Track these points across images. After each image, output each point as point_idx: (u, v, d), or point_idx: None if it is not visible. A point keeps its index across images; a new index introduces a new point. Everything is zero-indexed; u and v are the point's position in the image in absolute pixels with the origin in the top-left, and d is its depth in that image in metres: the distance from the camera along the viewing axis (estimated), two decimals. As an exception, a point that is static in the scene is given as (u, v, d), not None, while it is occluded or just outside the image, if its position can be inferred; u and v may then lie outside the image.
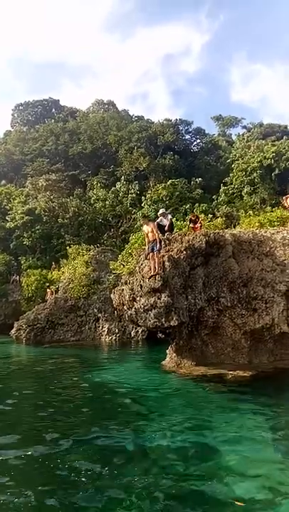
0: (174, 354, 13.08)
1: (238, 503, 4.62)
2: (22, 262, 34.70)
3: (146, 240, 12.96)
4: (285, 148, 37.60)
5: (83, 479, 5.21)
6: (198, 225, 15.32)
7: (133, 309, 12.55)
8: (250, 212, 25.38)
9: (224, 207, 34.16)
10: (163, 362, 13.43)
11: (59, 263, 30.97)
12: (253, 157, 38.21)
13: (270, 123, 53.69)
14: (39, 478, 5.32)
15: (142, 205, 36.77)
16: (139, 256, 13.94)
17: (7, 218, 38.59)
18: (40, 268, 31.85)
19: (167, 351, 13.55)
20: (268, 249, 13.30)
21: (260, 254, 13.26)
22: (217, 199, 37.98)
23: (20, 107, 68.09)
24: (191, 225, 15.30)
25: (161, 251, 12.34)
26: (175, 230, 15.21)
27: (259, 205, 33.03)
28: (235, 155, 43.43)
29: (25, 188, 43.19)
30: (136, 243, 22.60)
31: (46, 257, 35.78)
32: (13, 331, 23.75)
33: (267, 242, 13.46)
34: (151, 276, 11.82)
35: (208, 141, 53.72)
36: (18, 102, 76.96)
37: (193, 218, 15.83)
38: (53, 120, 60.77)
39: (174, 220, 17.75)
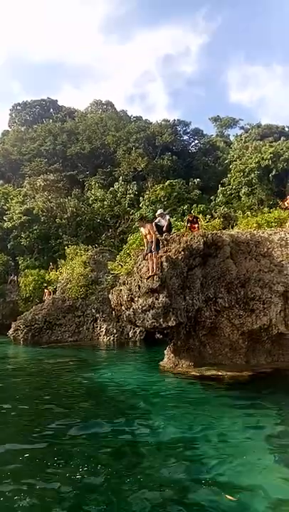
0: (172, 354, 13.09)
1: (230, 498, 4.67)
2: (20, 262, 34.65)
3: (144, 241, 12.97)
4: (282, 149, 37.72)
5: (79, 477, 5.21)
6: (196, 225, 15.34)
7: (131, 310, 12.55)
8: (248, 213, 25.42)
9: (222, 207, 34.21)
10: (161, 362, 13.43)
11: (57, 263, 30.93)
12: (251, 158, 38.32)
13: (267, 124, 53.84)
14: (36, 475, 5.31)
15: (140, 205, 36.80)
16: (137, 256, 13.94)
17: (5, 218, 38.54)
18: (37, 268, 31.82)
19: (165, 352, 13.56)
20: (265, 249, 13.33)
21: (258, 255, 13.29)
22: (215, 200, 38.04)
23: (18, 107, 68.03)
24: (189, 225, 15.31)
25: (159, 251, 12.35)
26: (173, 231, 15.22)
27: (257, 206, 33.11)
28: (233, 156, 43.54)
29: (23, 188, 43.14)
30: (134, 243, 22.62)
31: (44, 257, 35.74)
32: (10, 332, 23.69)
33: (264, 243, 13.49)
34: (149, 276, 11.83)
35: (206, 141, 53.85)
36: (15, 102, 76.84)
37: (190, 219, 15.84)
38: (51, 120, 60.74)
39: (172, 220, 17.78)
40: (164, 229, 14.04)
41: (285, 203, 19.40)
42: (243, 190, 37.14)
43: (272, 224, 17.86)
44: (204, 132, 56.63)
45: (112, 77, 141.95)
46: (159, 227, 13.82)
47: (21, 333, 23.13)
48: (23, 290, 29.41)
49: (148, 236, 12.42)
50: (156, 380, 11.70)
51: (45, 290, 26.88)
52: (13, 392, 10.53)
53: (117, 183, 41.63)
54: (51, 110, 67.98)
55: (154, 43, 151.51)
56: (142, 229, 13.08)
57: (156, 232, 12.99)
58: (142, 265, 12.81)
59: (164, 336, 14.52)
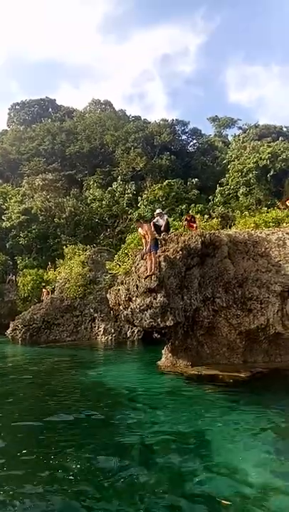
0: (170, 354, 13.13)
1: (225, 502, 4.62)
2: (18, 261, 34.63)
3: (143, 241, 13.01)
4: (280, 149, 37.77)
5: (79, 477, 5.24)
6: (194, 224, 15.39)
7: (129, 309, 12.58)
8: (246, 212, 25.47)
9: (220, 207, 34.25)
10: (158, 362, 13.47)
11: (55, 263, 30.93)
12: (249, 158, 38.36)
13: (266, 124, 53.85)
14: (32, 476, 5.34)
15: (139, 205, 36.80)
16: (135, 256, 13.97)
17: (3, 218, 38.50)
18: (36, 268, 31.80)
19: (163, 351, 13.60)
20: (263, 249, 13.38)
21: (256, 255, 13.35)
22: (213, 199, 38.08)
23: (16, 107, 67.95)
24: (186, 224, 15.35)
25: (157, 251, 12.39)
26: (171, 230, 15.26)
27: (255, 206, 33.13)
28: (231, 156, 43.56)
29: (22, 188, 43.10)
30: (132, 243, 22.64)
31: (42, 257, 35.72)
32: (8, 331, 23.70)
33: (262, 243, 13.54)
34: (147, 276, 11.87)
35: (205, 141, 53.87)
36: (14, 101, 76.79)
37: (188, 218, 15.90)
38: (49, 120, 60.64)
39: (170, 220, 17.81)
40: (162, 228, 14.06)
41: (287, 203, 19.47)
42: (241, 190, 37.19)
43: (270, 224, 17.93)
44: (203, 132, 56.69)
45: (110, 77, 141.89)
46: (157, 227, 13.85)
47: (19, 332, 23.15)
48: (22, 290, 29.40)
49: (146, 236, 12.45)
50: (153, 379, 11.74)
51: (44, 290, 26.89)
52: (8, 392, 10.54)
53: (115, 183, 41.62)
54: (50, 110, 67.91)
55: (153, 42, 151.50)
56: (140, 229, 13.13)
57: (155, 232, 13.03)
58: (140, 265, 12.84)
59: (162, 336, 14.56)
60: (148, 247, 12.11)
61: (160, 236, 13.50)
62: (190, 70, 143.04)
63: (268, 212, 21.71)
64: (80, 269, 24.80)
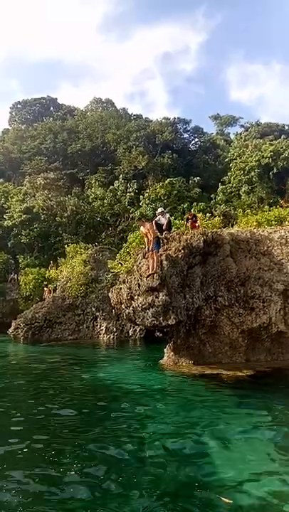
0: (172, 353, 13.11)
1: (227, 501, 4.59)
2: (20, 260, 34.67)
3: (145, 240, 12.98)
4: (282, 147, 37.64)
5: (78, 478, 5.23)
6: (196, 223, 15.34)
7: (131, 308, 12.56)
8: (248, 211, 25.42)
9: (222, 206, 34.19)
10: (161, 361, 13.45)
11: (57, 262, 30.95)
12: (251, 156, 38.24)
13: (268, 122, 53.68)
14: (31, 476, 5.33)
15: (140, 203, 36.76)
16: (137, 255, 13.95)
17: (5, 217, 38.52)
18: (38, 267, 31.83)
19: (165, 350, 13.58)
20: (265, 248, 13.34)
21: (258, 253, 13.31)
22: (215, 198, 38.00)
23: (18, 106, 67.90)
24: (188, 223, 15.30)
25: (159, 250, 12.36)
26: (173, 229, 15.22)
27: (257, 204, 33.07)
28: (233, 154, 43.44)
29: (23, 187, 43.10)
30: (134, 242, 22.63)
31: (44, 256, 35.75)
32: (10, 330, 23.74)
33: (264, 241, 13.50)
34: (149, 275, 11.84)
35: (207, 139, 53.73)
36: (15, 100, 76.68)
37: (190, 217, 15.84)
38: (51, 118, 60.59)
39: (172, 218, 17.77)
40: (164, 227, 14.04)
41: None
42: (243, 189, 37.09)
43: (272, 222, 17.88)
44: (204, 130, 56.46)
45: (111, 76, 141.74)
46: (159, 226, 13.83)
47: (21, 331, 23.19)
48: (24, 288, 29.44)
49: (148, 235, 12.42)
50: (155, 378, 11.72)
51: (45, 288, 26.90)
52: (9, 390, 10.54)
53: (117, 182, 41.58)
54: (51, 108, 67.85)
55: (153, 41, 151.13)
56: (141, 228, 13.10)
57: (157, 231, 13.00)
58: (141, 263, 12.82)
59: (164, 335, 14.52)
60: (150, 245, 12.09)
61: (162, 235, 13.47)
62: (191, 68, 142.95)
63: (270, 210, 21.66)
64: (82, 268, 24.80)
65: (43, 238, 37.39)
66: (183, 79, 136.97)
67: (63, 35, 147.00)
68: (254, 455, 5.95)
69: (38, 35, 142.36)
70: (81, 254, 27.05)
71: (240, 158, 39.99)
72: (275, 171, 36.15)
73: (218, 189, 38.89)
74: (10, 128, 63.75)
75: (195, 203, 33.53)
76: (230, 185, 38.69)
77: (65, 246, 30.77)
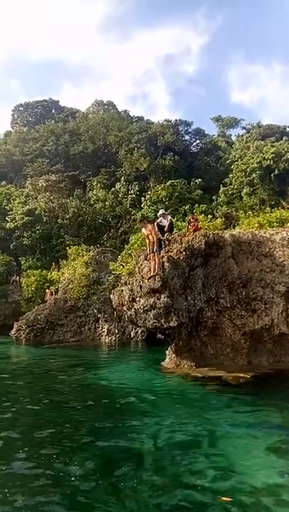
0: (174, 355, 13.10)
1: (226, 499, 4.63)
2: (22, 262, 34.75)
3: (146, 242, 12.99)
4: (284, 149, 37.67)
5: (79, 478, 5.23)
6: (198, 225, 15.32)
7: (132, 310, 12.56)
8: (250, 212, 25.36)
9: (224, 207, 34.20)
10: (162, 363, 13.44)
11: (59, 263, 30.99)
12: (253, 158, 38.28)
13: (269, 124, 53.74)
14: (35, 475, 5.34)
15: (142, 205, 36.80)
16: (139, 257, 13.95)
17: (7, 219, 38.63)
18: (40, 268, 31.88)
19: (166, 352, 13.57)
20: (267, 249, 13.33)
21: (260, 255, 13.29)
22: (216, 200, 38.03)
23: (20, 108, 68.17)
24: (190, 227, 15.28)
25: (161, 252, 12.36)
26: (175, 231, 15.23)
27: (258, 206, 33.07)
28: (234, 156, 43.51)
29: (25, 189, 43.23)
30: (135, 244, 22.63)
31: (46, 258, 35.82)
32: (12, 332, 23.75)
33: (266, 243, 13.48)
34: (151, 276, 11.84)
35: (208, 141, 53.81)
36: (17, 102, 77.17)
37: (192, 221, 15.83)
38: (53, 121, 60.79)
39: (173, 220, 17.76)
40: (166, 229, 14.05)
41: None
42: (244, 190, 37.11)
43: (274, 224, 17.85)
44: (206, 132, 56.58)
45: (112, 77, 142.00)
46: (160, 228, 13.84)
47: (23, 333, 23.20)
48: (25, 290, 29.47)
49: (150, 237, 12.44)
50: (157, 380, 11.71)
51: (47, 290, 26.94)
52: (13, 392, 10.55)
53: (118, 183, 41.66)
54: (53, 111, 68.10)
55: (154, 42, 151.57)
56: (143, 230, 13.11)
57: (158, 233, 13.01)
58: (143, 265, 12.82)
59: (166, 336, 14.53)
60: (152, 247, 12.09)
61: (164, 236, 13.48)
62: (192, 70, 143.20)
63: (271, 212, 21.62)
64: (84, 270, 24.82)
65: (44, 240, 37.47)
66: (184, 80, 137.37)
67: (63, 35, 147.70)
68: (257, 457, 5.94)
69: (38, 35, 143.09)
70: (83, 256, 27.07)
71: (241, 160, 40.03)
72: (276, 172, 36.17)
73: (220, 191, 38.93)
74: (12, 130, 64.03)
75: (196, 205, 33.57)
76: (232, 186, 38.72)
77: (67, 248, 30.79)
